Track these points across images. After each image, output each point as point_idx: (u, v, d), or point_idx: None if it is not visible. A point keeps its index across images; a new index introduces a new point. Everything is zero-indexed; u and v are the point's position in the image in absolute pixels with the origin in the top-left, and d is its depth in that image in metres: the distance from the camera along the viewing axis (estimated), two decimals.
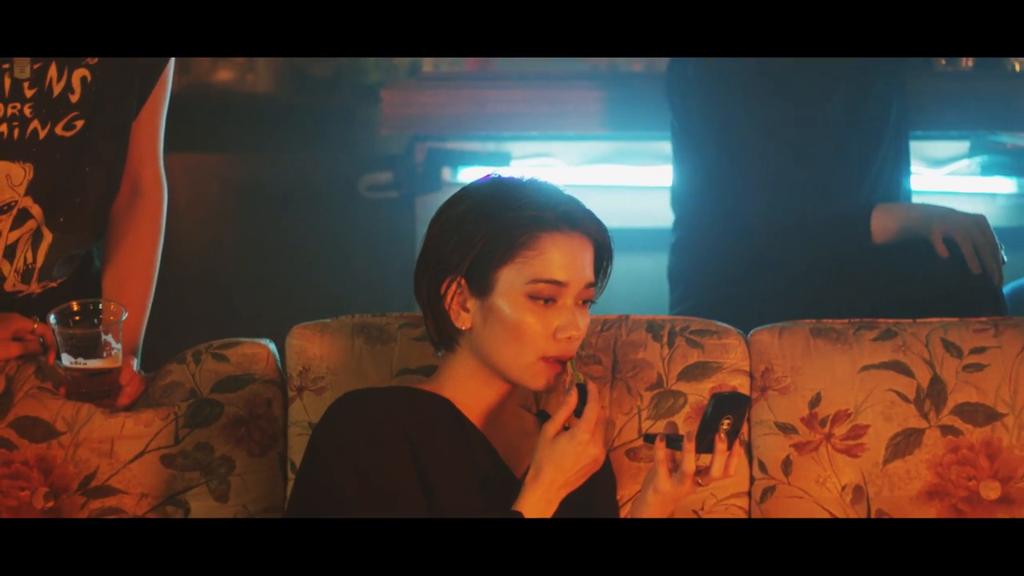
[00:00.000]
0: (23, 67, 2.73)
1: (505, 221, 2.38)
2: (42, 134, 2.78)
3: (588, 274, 2.40)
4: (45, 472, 2.68)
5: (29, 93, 2.75)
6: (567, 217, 2.39)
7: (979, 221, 3.12)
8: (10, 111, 2.76)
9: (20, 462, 2.68)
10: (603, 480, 2.46)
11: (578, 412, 2.32)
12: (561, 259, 2.37)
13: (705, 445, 2.29)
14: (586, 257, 2.40)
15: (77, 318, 2.65)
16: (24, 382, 2.72)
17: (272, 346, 2.76)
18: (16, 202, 2.81)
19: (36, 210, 2.83)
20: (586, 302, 2.41)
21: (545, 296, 2.36)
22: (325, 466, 2.34)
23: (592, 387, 2.33)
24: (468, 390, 2.43)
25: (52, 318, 2.64)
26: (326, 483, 2.33)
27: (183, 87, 4.09)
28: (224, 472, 2.68)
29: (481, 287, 2.38)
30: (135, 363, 2.74)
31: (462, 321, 2.40)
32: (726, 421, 2.28)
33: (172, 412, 2.70)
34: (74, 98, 2.79)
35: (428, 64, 4.08)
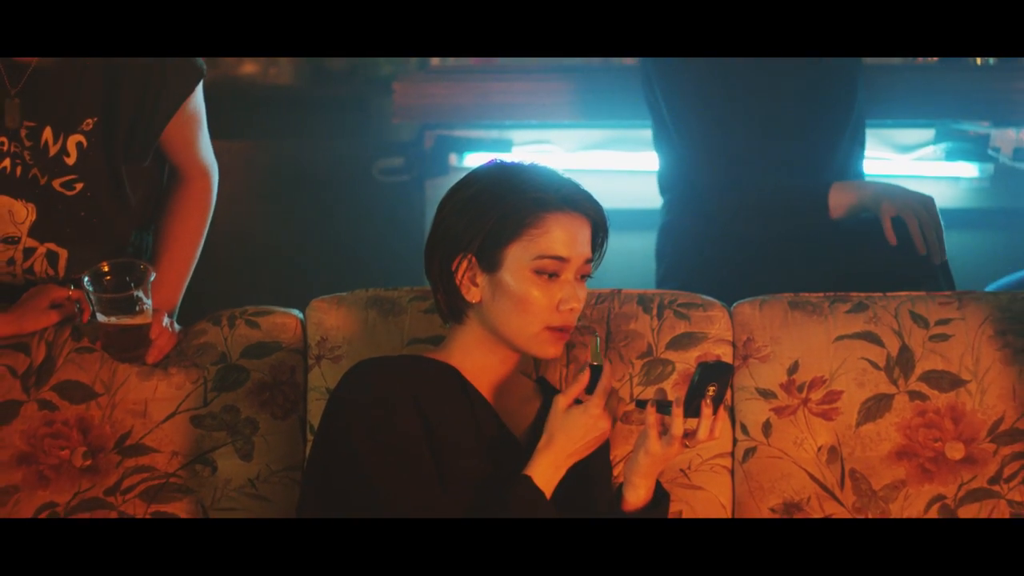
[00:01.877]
0: (14, 115, 2.69)
1: (513, 203, 2.38)
2: (41, 181, 2.75)
3: (587, 250, 2.40)
4: (84, 432, 2.67)
5: (27, 143, 2.72)
6: (568, 199, 2.39)
7: (927, 202, 3.09)
8: (12, 148, 2.73)
9: (61, 422, 2.67)
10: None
11: (590, 389, 2.32)
12: (563, 237, 2.37)
13: (692, 410, 2.29)
14: (585, 235, 2.40)
15: (108, 278, 2.62)
16: (63, 347, 2.71)
17: (301, 316, 2.74)
18: (20, 238, 2.79)
19: (46, 245, 2.81)
20: (584, 276, 2.41)
21: (549, 271, 2.37)
22: (341, 427, 2.33)
23: (607, 367, 2.33)
24: (474, 358, 2.43)
25: (85, 280, 2.61)
26: (341, 443, 2.32)
27: (211, 79, 4.06)
28: (248, 433, 2.67)
29: (490, 263, 2.38)
30: (165, 319, 2.72)
31: (472, 295, 2.39)
32: (711, 388, 2.28)
33: (202, 376, 2.68)
34: (70, 161, 2.75)
35: (436, 59, 4.05)
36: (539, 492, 2.29)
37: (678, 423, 2.30)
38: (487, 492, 2.31)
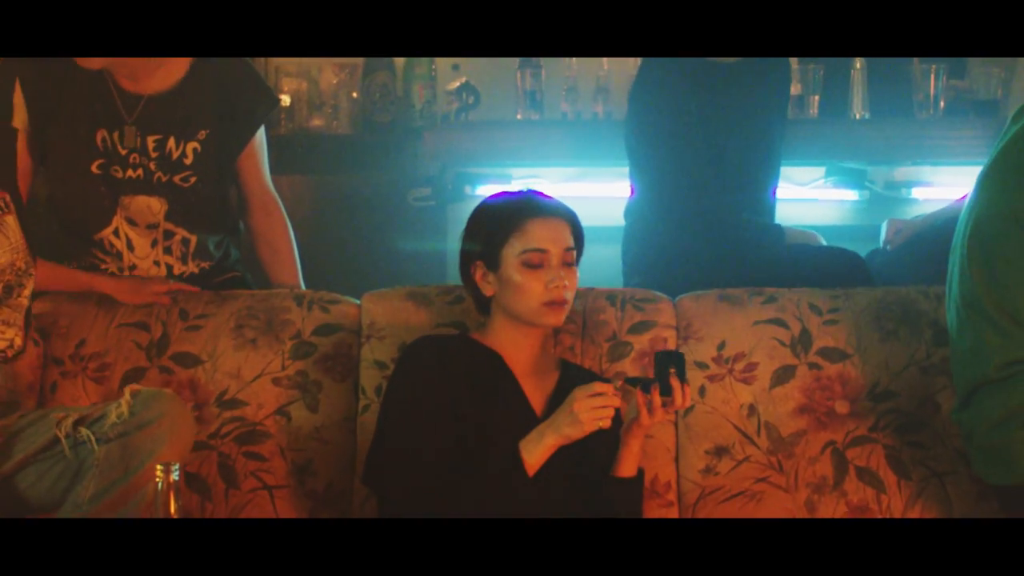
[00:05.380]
0: (131, 138, 2.74)
1: (503, 216, 2.35)
2: (164, 179, 2.79)
3: (567, 242, 2.35)
4: (193, 390, 2.63)
5: (154, 155, 2.76)
6: (543, 207, 2.36)
7: None
8: (139, 160, 2.76)
9: (176, 383, 2.63)
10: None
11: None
12: (542, 233, 2.33)
13: (665, 388, 2.24)
14: (563, 231, 2.35)
15: None
16: (174, 325, 2.68)
17: (361, 305, 2.70)
18: (159, 224, 2.81)
19: (179, 230, 2.83)
20: (569, 264, 2.35)
21: (534, 263, 2.32)
22: (391, 382, 2.33)
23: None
24: (506, 338, 2.37)
25: None
26: (389, 392, 2.32)
27: (289, 130, 4.04)
28: (315, 392, 2.63)
29: (493, 264, 2.35)
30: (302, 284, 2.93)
31: (487, 290, 2.37)
32: (672, 370, 2.24)
33: (281, 348, 2.64)
34: (187, 161, 2.78)
35: (452, 116, 3.99)
36: (517, 458, 2.21)
37: (657, 399, 2.24)
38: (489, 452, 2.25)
